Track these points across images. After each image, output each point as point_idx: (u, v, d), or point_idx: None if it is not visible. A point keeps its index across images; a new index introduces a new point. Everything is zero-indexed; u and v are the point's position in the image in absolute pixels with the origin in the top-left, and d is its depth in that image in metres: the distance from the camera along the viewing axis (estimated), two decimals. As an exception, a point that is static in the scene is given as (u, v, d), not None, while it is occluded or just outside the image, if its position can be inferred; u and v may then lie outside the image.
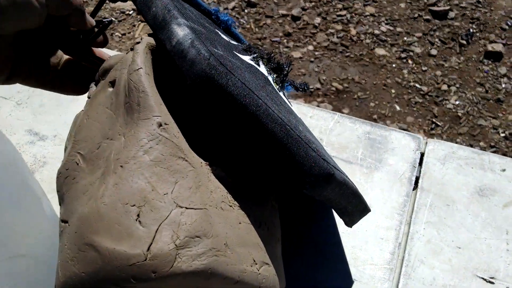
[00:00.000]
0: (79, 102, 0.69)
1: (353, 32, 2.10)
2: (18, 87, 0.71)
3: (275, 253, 0.40)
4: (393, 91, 1.86)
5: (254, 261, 0.35)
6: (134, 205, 0.31)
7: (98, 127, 0.37)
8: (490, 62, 1.97)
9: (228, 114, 0.36)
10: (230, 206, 0.36)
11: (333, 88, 1.86)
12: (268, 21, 2.14)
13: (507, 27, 2.11)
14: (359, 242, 0.53)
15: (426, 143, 0.63)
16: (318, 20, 2.14)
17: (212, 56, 0.35)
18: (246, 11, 2.18)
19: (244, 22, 2.13)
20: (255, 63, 0.45)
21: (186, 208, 0.32)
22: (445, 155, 0.61)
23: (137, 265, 0.29)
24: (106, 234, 0.30)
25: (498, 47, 2.01)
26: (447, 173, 0.59)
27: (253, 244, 0.36)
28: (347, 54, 2.00)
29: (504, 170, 0.59)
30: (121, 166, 0.33)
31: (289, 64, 0.47)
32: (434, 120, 1.76)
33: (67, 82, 0.45)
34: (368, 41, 2.05)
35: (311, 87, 1.83)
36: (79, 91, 0.47)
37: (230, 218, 0.35)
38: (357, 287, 0.50)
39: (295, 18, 2.15)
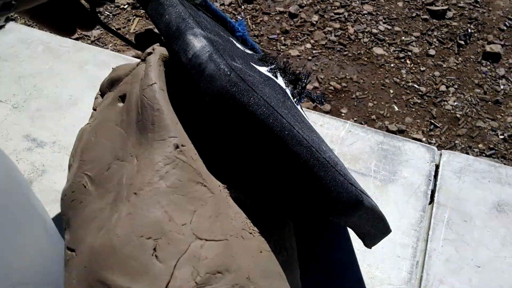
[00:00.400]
0: (78, 106, 0.66)
1: (351, 30, 2.08)
2: (14, 89, 0.68)
3: (295, 279, 0.38)
4: (391, 91, 1.84)
5: (277, 293, 0.33)
6: (150, 238, 0.28)
7: (107, 146, 0.34)
8: (488, 63, 1.96)
9: (249, 135, 0.33)
10: (250, 233, 0.33)
11: (331, 88, 1.83)
12: (265, 18, 2.11)
13: (505, 27, 2.10)
14: (375, 260, 0.51)
15: (441, 154, 0.61)
16: (315, 17, 2.11)
17: (232, 71, 0.33)
18: (242, 7, 2.15)
19: (241, 18, 2.09)
20: (273, 75, 0.42)
21: (206, 240, 0.29)
22: (461, 168, 0.59)
23: (155, 305, 0.27)
24: (120, 271, 0.28)
25: (497, 48, 2.00)
26: (464, 187, 0.57)
27: (274, 274, 0.33)
28: (345, 52, 1.98)
29: (522, 184, 0.57)
30: (135, 193, 0.30)
31: (307, 76, 0.44)
32: (432, 121, 1.74)
33: (56, 22, 0.43)
34: (366, 40, 2.03)
35: (309, 87, 1.80)
36: (66, 34, 0.45)
37: (252, 247, 0.32)
38: (374, 308, 0.48)
39: (292, 15, 2.12)
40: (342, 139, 0.61)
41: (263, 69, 0.42)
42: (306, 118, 0.46)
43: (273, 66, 0.43)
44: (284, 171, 0.33)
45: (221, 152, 0.37)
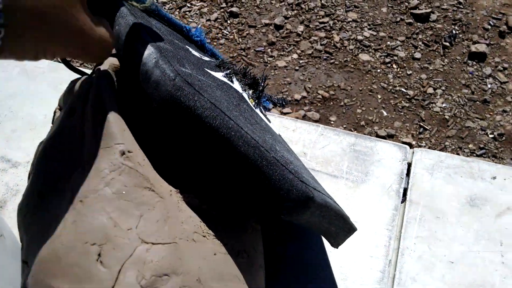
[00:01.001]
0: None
1: (337, 38, 2.09)
2: (-13, 112, 0.68)
3: (256, 282, 0.37)
4: (379, 96, 1.84)
5: (232, 295, 0.32)
6: (94, 244, 0.28)
7: (58, 157, 0.34)
8: (474, 63, 1.97)
9: (198, 138, 0.33)
10: (204, 236, 0.33)
11: (319, 96, 1.84)
12: (251, 31, 2.13)
13: (489, 27, 2.11)
14: (348, 261, 0.51)
15: (413, 152, 0.61)
16: (301, 28, 2.13)
17: (178, 76, 0.33)
18: (228, 21, 2.16)
19: (227, 33, 2.11)
20: (228, 79, 0.42)
21: (153, 243, 0.29)
22: (433, 165, 0.59)
23: (100, 311, 0.27)
24: (64, 278, 0.28)
25: (482, 47, 2.00)
26: (436, 183, 0.57)
27: (230, 276, 0.33)
28: (332, 61, 1.99)
29: (494, 177, 0.57)
30: (81, 201, 0.30)
31: (265, 79, 0.45)
32: (421, 124, 1.75)
33: None
34: (351, 47, 2.04)
35: (297, 96, 1.81)
36: None
37: (204, 250, 0.32)
38: (348, 309, 0.48)
39: (278, 27, 2.13)
40: (314, 142, 0.62)
41: (219, 75, 0.42)
42: (266, 120, 0.46)
43: (228, 71, 0.43)
44: (234, 172, 0.33)
45: (175, 157, 0.37)
